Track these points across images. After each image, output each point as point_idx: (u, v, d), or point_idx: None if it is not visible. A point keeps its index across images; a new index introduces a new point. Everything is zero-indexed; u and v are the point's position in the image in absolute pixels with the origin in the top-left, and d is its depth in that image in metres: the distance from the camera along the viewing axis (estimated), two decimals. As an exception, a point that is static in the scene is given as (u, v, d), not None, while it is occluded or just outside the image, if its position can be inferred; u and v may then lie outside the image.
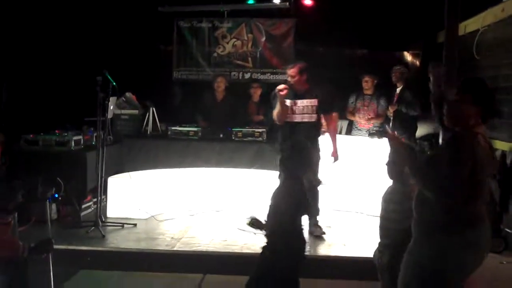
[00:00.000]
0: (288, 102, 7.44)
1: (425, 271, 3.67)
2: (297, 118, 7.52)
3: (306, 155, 4.73)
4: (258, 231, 4.69)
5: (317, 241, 7.34)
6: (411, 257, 3.77)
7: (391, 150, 4.09)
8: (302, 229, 4.65)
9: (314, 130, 7.57)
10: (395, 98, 9.51)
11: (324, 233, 7.51)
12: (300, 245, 4.64)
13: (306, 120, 7.52)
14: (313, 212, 5.13)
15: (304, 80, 7.56)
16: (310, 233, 7.47)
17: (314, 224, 7.53)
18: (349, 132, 9.81)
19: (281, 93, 7.33)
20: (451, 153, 3.54)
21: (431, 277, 3.64)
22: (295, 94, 7.50)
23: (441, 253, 3.62)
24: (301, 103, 7.50)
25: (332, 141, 7.79)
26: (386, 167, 4.61)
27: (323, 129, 7.93)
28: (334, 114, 7.83)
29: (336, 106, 7.97)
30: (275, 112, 7.51)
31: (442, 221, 3.62)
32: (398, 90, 9.53)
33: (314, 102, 7.54)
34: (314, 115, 7.56)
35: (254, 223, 4.69)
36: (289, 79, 7.57)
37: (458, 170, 3.50)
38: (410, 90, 9.32)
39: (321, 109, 7.59)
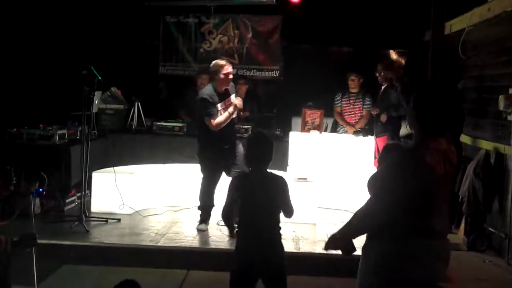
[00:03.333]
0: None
1: (368, 276, 3.57)
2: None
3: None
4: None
5: (302, 238, 7.35)
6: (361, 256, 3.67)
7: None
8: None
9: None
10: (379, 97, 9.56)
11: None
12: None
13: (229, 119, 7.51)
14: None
15: None
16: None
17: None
18: (334, 129, 9.81)
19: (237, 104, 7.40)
20: (386, 177, 3.50)
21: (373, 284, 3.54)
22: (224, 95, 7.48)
23: (382, 261, 3.49)
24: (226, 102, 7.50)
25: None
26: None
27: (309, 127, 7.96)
28: None
29: None
30: (218, 121, 7.35)
31: (388, 228, 3.47)
32: (382, 88, 9.57)
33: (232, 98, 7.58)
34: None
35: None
36: (228, 79, 7.44)
37: (382, 193, 3.48)
38: (394, 89, 9.34)
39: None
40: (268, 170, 4.69)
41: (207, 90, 7.44)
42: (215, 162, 7.47)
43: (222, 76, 7.36)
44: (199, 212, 7.67)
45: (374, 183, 3.65)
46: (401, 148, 4.25)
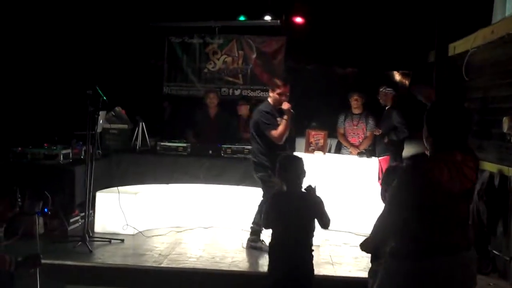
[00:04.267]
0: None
1: None
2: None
3: None
4: None
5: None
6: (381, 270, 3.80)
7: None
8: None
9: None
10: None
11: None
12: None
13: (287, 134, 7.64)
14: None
15: None
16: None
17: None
18: (338, 150, 9.81)
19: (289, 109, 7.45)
20: (392, 192, 3.62)
21: None
22: (278, 111, 7.56)
23: (390, 278, 3.59)
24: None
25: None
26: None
27: (312, 148, 7.99)
28: None
29: None
30: (280, 131, 7.46)
31: (396, 246, 3.57)
32: (387, 109, 9.60)
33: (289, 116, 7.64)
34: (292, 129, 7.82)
35: None
36: (283, 97, 7.54)
37: (392, 199, 3.58)
38: (397, 111, 9.36)
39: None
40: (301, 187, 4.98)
41: (264, 105, 7.64)
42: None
43: (276, 95, 7.55)
44: (252, 230, 7.62)
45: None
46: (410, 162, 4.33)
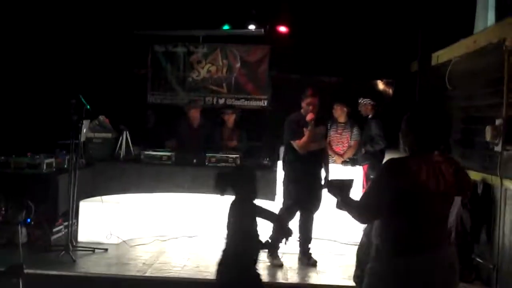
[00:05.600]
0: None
1: None
2: (313, 146, 7.60)
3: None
4: None
5: (291, 268, 7.33)
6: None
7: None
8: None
9: (322, 156, 7.78)
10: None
11: (315, 261, 7.55)
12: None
13: (318, 146, 7.63)
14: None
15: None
16: (301, 261, 7.53)
17: (305, 252, 7.57)
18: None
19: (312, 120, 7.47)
20: (371, 182, 3.78)
21: None
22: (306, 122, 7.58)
23: (371, 278, 3.72)
24: (316, 130, 7.58)
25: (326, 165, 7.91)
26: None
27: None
28: None
29: None
30: (303, 141, 7.50)
31: (378, 246, 3.69)
32: (368, 118, 9.61)
33: (323, 129, 7.75)
34: (323, 142, 7.80)
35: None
36: (310, 108, 7.54)
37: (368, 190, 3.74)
38: (376, 121, 9.37)
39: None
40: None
41: (294, 115, 7.74)
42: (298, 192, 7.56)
43: (304, 104, 7.58)
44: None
45: None
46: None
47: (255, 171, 5.16)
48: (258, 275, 4.92)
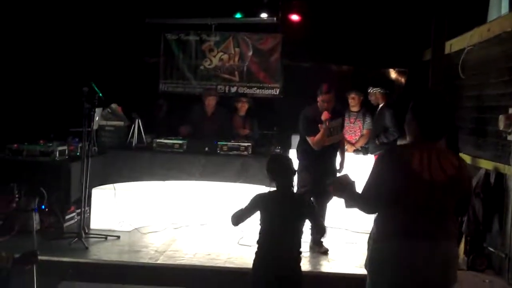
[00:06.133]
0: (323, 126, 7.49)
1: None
2: (330, 140, 7.61)
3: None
4: None
5: (302, 257, 7.32)
6: None
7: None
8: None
9: (338, 145, 7.83)
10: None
11: (327, 250, 7.58)
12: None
13: (335, 140, 7.66)
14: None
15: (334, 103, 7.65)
16: (312, 249, 7.55)
17: (316, 240, 7.59)
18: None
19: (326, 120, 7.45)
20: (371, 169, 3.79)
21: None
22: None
23: (367, 263, 3.82)
24: (331, 124, 7.56)
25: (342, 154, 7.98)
26: None
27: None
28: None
29: None
30: (317, 138, 7.50)
31: (375, 231, 3.77)
32: (379, 108, 9.54)
33: (339, 121, 7.73)
34: (341, 134, 7.82)
35: None
36: (325, 104, 7.52)
37: (367, 181, 3.78)
38: (390, 111, 9.27)
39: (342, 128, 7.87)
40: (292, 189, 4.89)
41: (308, 108, 7.74)
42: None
43: (319, 100, 7.58)
44: None
45: None
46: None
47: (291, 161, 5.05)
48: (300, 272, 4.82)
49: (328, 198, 7.61)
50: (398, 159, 3.65)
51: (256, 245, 4.76)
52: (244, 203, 4.83)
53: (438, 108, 3.74)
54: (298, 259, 4.75)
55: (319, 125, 7.46)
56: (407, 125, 3.84)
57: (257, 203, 4.76)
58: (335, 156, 7.76)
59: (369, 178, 3.76)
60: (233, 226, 4.89)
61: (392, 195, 3.62)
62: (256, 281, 4.69)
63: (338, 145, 7.78)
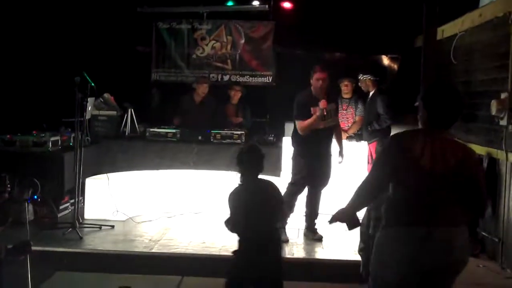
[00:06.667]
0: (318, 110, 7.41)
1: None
2: (323, 124, 7.52)
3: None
4: None
5: (297, 244, 7.36)
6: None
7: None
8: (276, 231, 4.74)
9: (334, 132, 7.77)
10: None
11: (321, 236, 7.57)
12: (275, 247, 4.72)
13: (328, 124, 7.56)
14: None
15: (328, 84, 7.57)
16: (306, 236, 7.55)
17: (310, 227, 7.60)
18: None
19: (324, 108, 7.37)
20: (380, 149, 3.88)
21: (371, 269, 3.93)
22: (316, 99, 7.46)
23: (375, 246, 3.89)
24: (328, 107, 7.48)
25: (340, 142, 7.92)
26: None
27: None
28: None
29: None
30: (308, 122, 7.43)
31: (384, 217, 3.85)
32: (371, 94, 9.53)
33: (334, 106, 7.66)
34: (336, 118, 7.74)
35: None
36: (320, 82, 7.41)
37: (373, 168, 3.89)
38: (382, 97, 9.26)
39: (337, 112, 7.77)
40: (259, 177, 4.82)
41: (301, 93, 7.64)
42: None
43: (313, 80, 7.48)
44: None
45: None
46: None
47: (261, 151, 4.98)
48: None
49: (322, 184, 7.63)
50: (398, 145, 3.75)
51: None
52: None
53: (448, 97, 3.79)
54: (277, 249, 4.75)
55: (312, 108, 7.40)
56: (419, 114, 3.90)
57: (234, 201, 4.76)
58: (329, 142, 7.73)
59: (374, 164, 3.89)
60: (233, 233, 4.83)
61: (393, 180, 3.72)
62: (234, 272, 4.72)
63: (332, 132, 7.73)
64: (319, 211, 7.72)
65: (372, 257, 3.91)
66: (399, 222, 3.71)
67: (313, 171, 7.47)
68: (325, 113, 7.38)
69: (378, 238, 3.87)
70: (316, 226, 7.63)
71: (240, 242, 4.71)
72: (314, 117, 7.38)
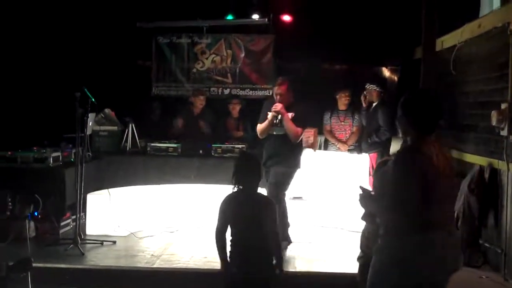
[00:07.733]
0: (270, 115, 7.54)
1: (382, 271, 3.82)
2: (280, 131, 7.56)
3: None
4: None
5: (298, 257, 7.34)
6: (375, 256, 3.92)
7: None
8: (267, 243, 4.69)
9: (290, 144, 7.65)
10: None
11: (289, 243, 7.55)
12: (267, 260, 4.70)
13: (277, 131, 7.62)
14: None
15: (291, 96, 7.63)
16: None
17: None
18: (325, 147, 9.82)
19: (276, 111, 7.47)
20: (395, 175, 3.74)
21: (387, 277, 3.78)
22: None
23: (395, 255, 3.76)
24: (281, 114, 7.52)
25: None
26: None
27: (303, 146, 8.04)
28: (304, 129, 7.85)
29: (309, 122, 8.08)
30: (259, 127, 7.65)
31: (398, 225, 3.76)
32: (373, 105, 9.53)
33: (291, 115, 7.59)
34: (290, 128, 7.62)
35: None
36: (277, 97, 7.55)
37: (405, 189, 3.69)
38: (384, 109, 9.25)
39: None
40: (258, 191, 4.81)
41: (270, 100, 7.84)
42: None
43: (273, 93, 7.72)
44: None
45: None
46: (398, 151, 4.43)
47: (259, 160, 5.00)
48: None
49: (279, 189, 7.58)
50: (420, 156, 3.70)
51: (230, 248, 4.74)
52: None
53: (426, 102, 3.87)
54: (268, 260, 4.69)
55: (268, 113, 7.56)
56: (399, 122, 3.92)
57: (224, 209, 4.74)
58: (287, 150, 7.63)
59: (398, 186, 3.73)
60: (219, 243, 4.80)
61: (422, 190, 3.65)
62: (227, 282, 4.70)
63: (292, 140, 7.62)
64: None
65: (370, 265, 3.91)
66: (423, 227, 3.71)
67: (268, 175, 7.58)
68: (274, 120, 7.49)
69: (376, 247, 3.89)
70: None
71: (232, 252, 4.71)
72: (266, 121, 7.57)
